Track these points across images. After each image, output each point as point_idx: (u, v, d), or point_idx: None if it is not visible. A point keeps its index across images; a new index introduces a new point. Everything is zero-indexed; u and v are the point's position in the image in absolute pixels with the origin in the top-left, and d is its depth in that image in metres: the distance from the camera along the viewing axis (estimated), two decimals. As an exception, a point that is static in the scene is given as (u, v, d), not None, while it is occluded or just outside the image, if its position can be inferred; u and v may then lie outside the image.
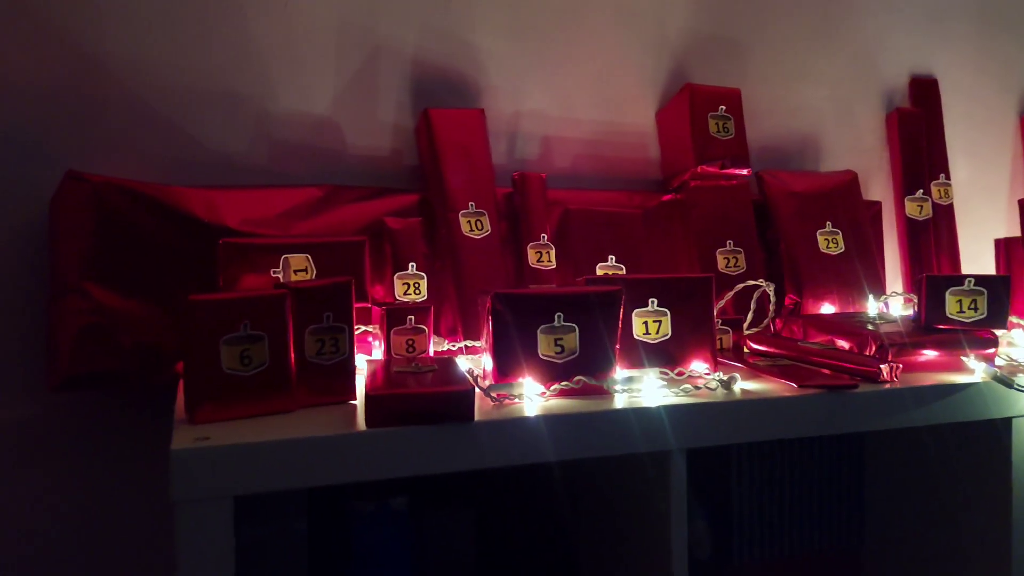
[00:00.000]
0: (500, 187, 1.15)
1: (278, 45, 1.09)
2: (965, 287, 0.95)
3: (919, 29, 1.42)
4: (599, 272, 1.15)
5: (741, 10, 1.31)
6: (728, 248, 1.21)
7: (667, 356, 0.93)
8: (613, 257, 1.16)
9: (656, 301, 0.94)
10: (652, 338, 0.94)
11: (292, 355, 0.76)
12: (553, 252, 1.13)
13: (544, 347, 0.82)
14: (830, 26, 1.36)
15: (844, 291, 1.23)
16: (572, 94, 1.24)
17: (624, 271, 1.16)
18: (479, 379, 0.82)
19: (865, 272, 1.25)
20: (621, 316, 0.85)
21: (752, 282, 1.15)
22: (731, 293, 1.16)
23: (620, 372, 0.87)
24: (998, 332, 0.97)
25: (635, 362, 0.93)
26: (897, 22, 1.40)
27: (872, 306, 1.19)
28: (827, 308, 1.22)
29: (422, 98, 1.16)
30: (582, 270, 1.14)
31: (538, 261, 1.12)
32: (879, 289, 1.24)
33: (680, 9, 1.28)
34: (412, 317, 0.92)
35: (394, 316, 0.91)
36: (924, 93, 1.42)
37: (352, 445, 0.68)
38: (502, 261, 1.11)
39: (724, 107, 1.22)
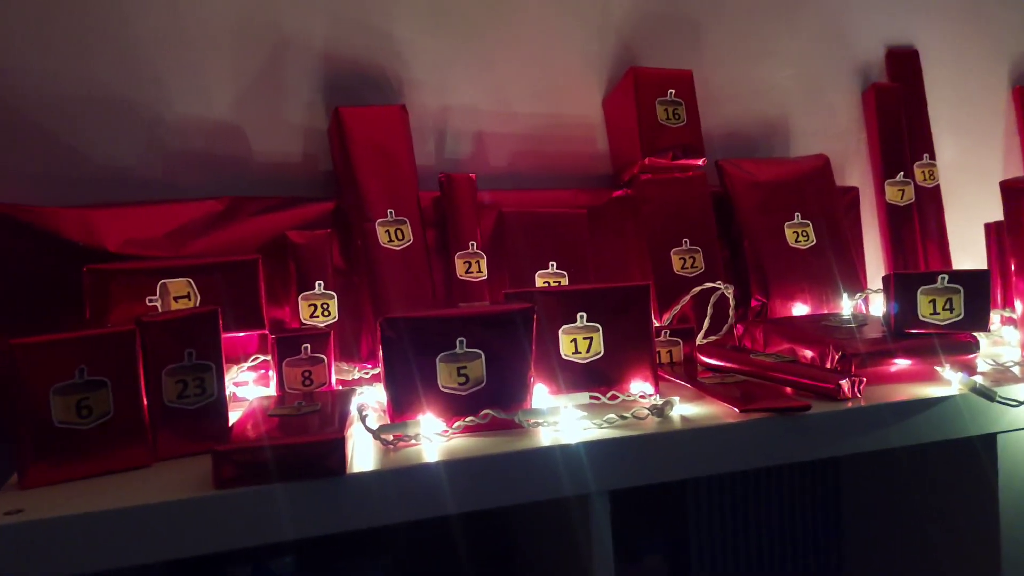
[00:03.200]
0: (428, 191, 1.05)
1: (168, 45, 0.99)
2: (938, 285, 0.83)
3: (894, -3, 1.30)
4: (539, 281, 1.04)
5: (691, -16, 1.20)
6: (684, 247, 1.09)
7: (601, 377, 0.82)
8: (554, 264, 1.05)
9: (585, 316, 0.83)
10: (582, 357, 0.83)
11: (145, 401, 0.66)
12: (484, 261, 1.02)
13: (445, 377, 0.71)
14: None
15: (816, 289, 1.12)
16: (507, 85, 1.13)
17: (567, 279, 1.05)
18: (369, 417, 0.71)
19: (839, 267, 1.13)
20: (535, 337, 0.74)
21: (709, 284, 1.04)
22: (687, 298, 1.04)
23: (540, 400, 0.77)
24: (979, 334, 0.86)
25: (564, 386, 0.82)
26: (868, -10, 1.28)
27: (847, 305, 1.07)
28: (799, 309, 1.11)
29: (337, 97, 1.05)
30: (519, 280, 1.03)
31: (467, 272, 1.01)
32: (855, 285, 1.12)
33: (623, -14, 1.16)
34: (308, 346, 0.81)
35: (286, 345, 0.81)
36: (903, 66, 1.29)
37: (195, 511, 0.58)
38: (427, 273, 1.00)
39: (673, 91, 1.10)
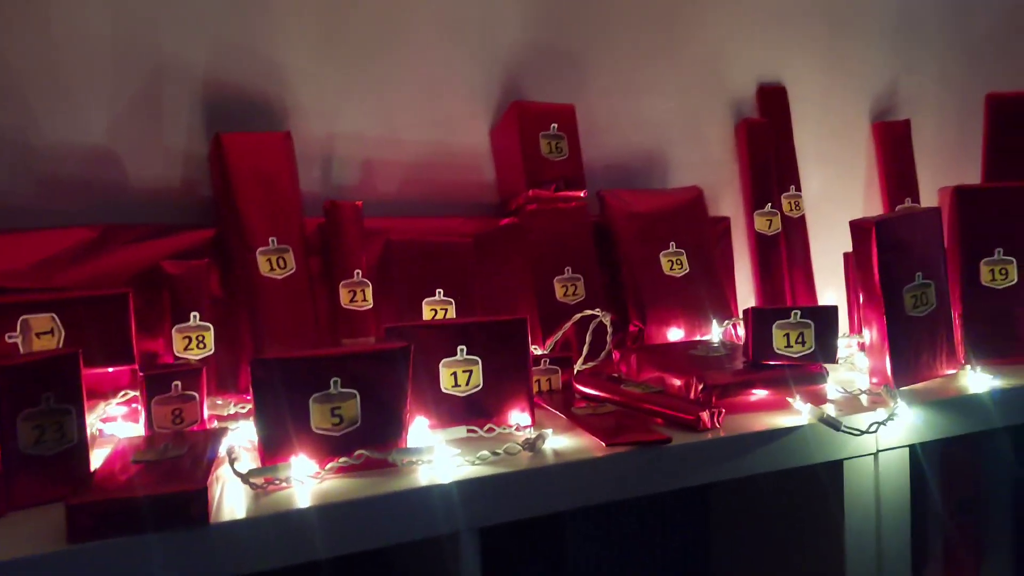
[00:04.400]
0: (313, 218, 1.04)
1: (39, 68, 0.95)
2: (791, 320, 0.89)
3: (765, 36, 1.37)
4: (426, 309, 1.05)
5: (575, 22, 1.23)
6: (566, 275, 1.13)
7: (480, 409, 0.85)
8: (441, 291, 1.06)
9: (465, 348, 0.85)
10: (462, 390, 0.85)
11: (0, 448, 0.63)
12: (370, 290, 1.02)
13: (318, 419, 0.72)
14: (672, 36, 1.30)
15: (690, 315, 1.17)
16: (395, 114, 1.14)
17: (454, 306, 1.06)
18: (239, 460, 0.71)
19: (710, 294, 1.19)
20: (411, 375, 0.76)
21: (589, 312, 1.08)
22: (568, 325, 1.08)
23: (419, 434, 0.78)
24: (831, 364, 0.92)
25: (443, 419, 0.84)
26: (742, 29, 1.35)
27: (716, 332, 1.13)
28: (673, 334, 1.16)
29: (219, 122, 1.03)
30: (405, 308, 1.04)
31: (352, 301, 1.01)
32: (726, 312, 1.19)
33: (510, 21, 1.19)
34: (179, 383, 0.80)
35: (156, 383, 0.79)
36: (772, 102, 1.37)
37: (49, 567, 0.56)
38: (310, 303, 1.00)
39: (556, 125, 1.14)
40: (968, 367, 1.00)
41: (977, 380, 0.97)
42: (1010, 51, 1.57)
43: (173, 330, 0.90)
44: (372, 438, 0.72)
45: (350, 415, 0.72)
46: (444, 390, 0.84)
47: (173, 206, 1.02)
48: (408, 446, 0.74)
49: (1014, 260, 1.07)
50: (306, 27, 1.08)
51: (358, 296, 1.02)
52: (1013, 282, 1.07)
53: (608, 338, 1.07)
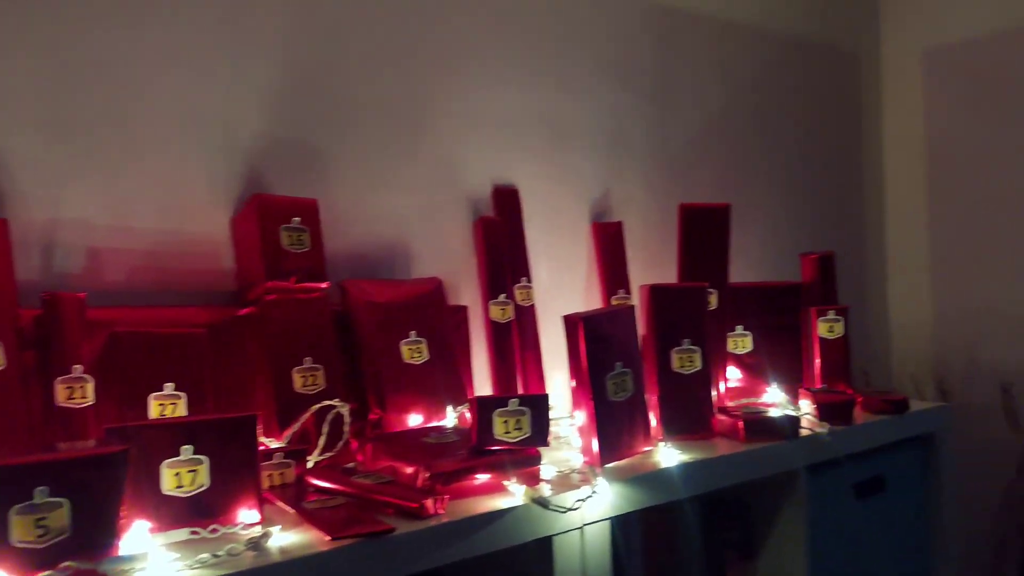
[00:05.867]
0: (30, 309, 0.98)
1: None
2: (510, 407, 0.98)
3: (498, 143, 1.51)
4: (153, 404, 1.02)
5: (319, 120, 1.29)
6: (306, 365, 1.15)
7: (206, 509, 0.84)
8: (172, 385, 1.04)
9: (191, 448, 0.84)
10: (187, 491, 0.83)
11: None
12: (91, 386, 0.98)
13: (20, 532, 0.68)
14: (414, 137, 1.39)
15: (429, 401, 1.23)
16: (126, 201, 1.11)
17: (184, 400, 1.04)
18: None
19: (448, 381, 1.26)
20: (128, 478, 0.74)
21: (327, 402, 1.10)
22: (305, 416, 1.09)
23: (137, 540, 0.76)
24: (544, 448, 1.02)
25: (166, 522, 0.82)
26: (478, 134, 1.48)
27: (451, 417, 1.21)
28: (413, 420, 1.21)
29: (-84, 205, 0.95)
30: (130, 404, 1.00)
31: (69, 398, 0.96)
32: (461, 397, 1.26)
33: (252, 116, 1.22)
34: None
35: None
36: (506, 201, 1.50)
37: None
38: (23, 401, 0.94)
39: (299, 219, 1.17)
40: (662, 444, 1.16)
41: (668, 455, 1.12)
42: (700, 164, 1.85)
43: None
44: (82, 547, 0.70)
45: (57, 525, 0.69)
46: (166, 492, 0.82)
47: None
48: (121, 554, 0.72)
49: (699, 349, 1.26)
50: (26, 110, 1.04)
51: (76, 393, 0.97)
52: (698, 368, 1.25)
53: (345, 428, 1.10)
